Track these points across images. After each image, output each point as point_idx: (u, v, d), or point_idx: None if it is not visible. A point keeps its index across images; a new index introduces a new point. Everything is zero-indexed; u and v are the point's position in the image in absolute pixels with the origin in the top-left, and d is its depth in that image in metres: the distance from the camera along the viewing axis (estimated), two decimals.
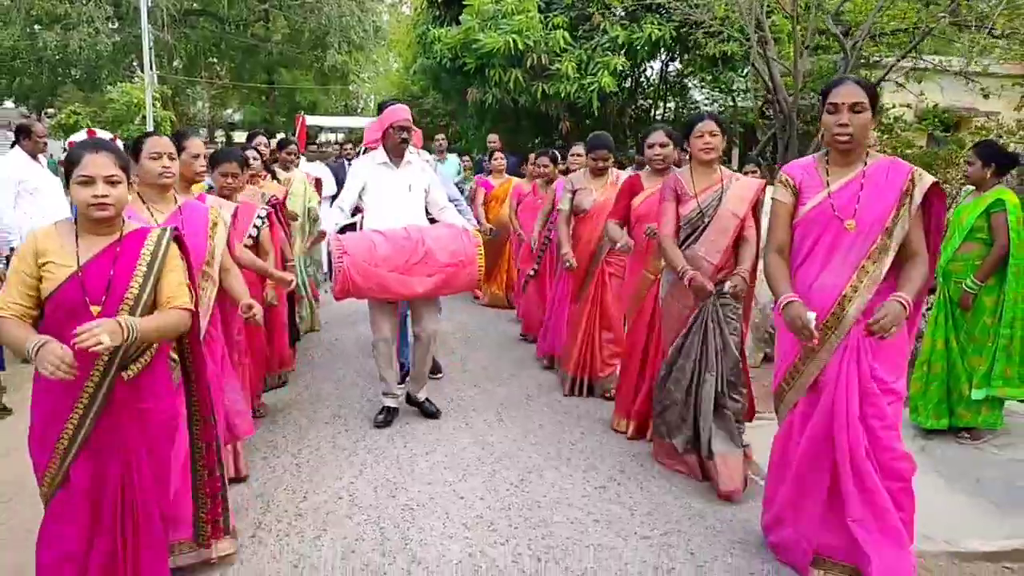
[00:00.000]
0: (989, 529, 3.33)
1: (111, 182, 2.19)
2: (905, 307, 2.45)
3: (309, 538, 3.07)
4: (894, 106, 9.00)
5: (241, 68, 30.12)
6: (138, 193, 2.93)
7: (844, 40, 7.44)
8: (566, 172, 6.20)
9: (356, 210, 4.55)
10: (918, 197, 2.57)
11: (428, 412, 4.50)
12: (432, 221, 4.42)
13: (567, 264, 4.76)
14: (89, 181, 2.17)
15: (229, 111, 34.74)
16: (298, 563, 2.89)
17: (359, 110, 33.59)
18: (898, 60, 7.29)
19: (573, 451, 4.06)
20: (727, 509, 3.39)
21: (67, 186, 2.23)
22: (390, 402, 4.44)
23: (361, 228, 4.40)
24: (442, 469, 3.78)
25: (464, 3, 11.02)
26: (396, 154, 4.30)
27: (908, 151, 8.69)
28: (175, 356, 2.52)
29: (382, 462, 3.86)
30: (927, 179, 2.58)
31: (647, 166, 4.31)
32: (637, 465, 3.87)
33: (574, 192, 4.92)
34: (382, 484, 3.60)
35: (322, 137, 30.51)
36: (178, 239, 2.40)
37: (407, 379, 4.67)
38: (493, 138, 8.62)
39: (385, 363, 4.35)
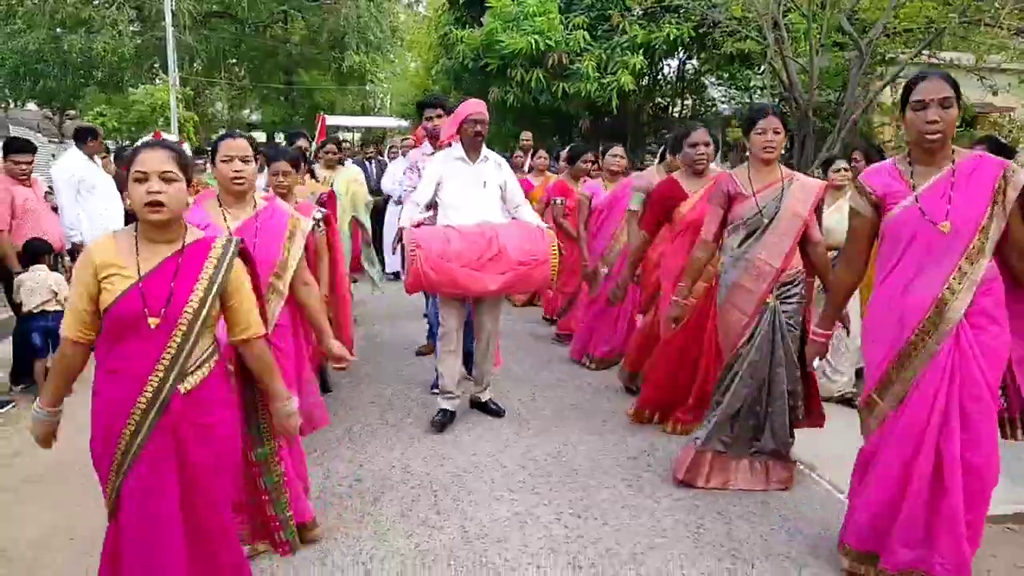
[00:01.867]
0: (996, 495, 3.57)
1: (166, 179, 2.09)
2: None
3: (369, 499, 3.39)
4: None
5: (260, 69, 30.54)
6: (218, 198, 2.92)
7: (859, 38, 7.66)
8: (577, 176, 6.19)
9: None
10: (1012, 194, 2.48)
11: (492, 412, 4.47)
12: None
13: (613, 299, 4.61)
14: (143, 177, 2.08)
15: (247, 111, 35.18)
16: (361, 519, 3.20)
17: (376, 110, 33.97)
18: (911, 58, 7.52)
19: (605, 427, 4.35)
20: None
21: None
22: (447, 404, 4.35)
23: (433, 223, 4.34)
24: (484, 442, 4.08)
25: (486, 5, 11.32)
26: (472, 148, 4.23)
27: None
28: (231, 366, 2.46)
29: (428, 436, 4.16)
30: (1021, 175, 2.49)
31: (682, 167, 4.21)
32: (666, 439, 4.15)
33: (648, 193, 4.52)
34: (430, 455, 3.90)
35: (340, 136, 30.88)
36: (244, 252, 2.31)
37: (471, 370, 4.65)
38: (527, 135, 8.66)
39: (449, 357, 4.29)
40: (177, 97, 21.56)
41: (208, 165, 3.20)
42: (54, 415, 2.25)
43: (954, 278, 2.49)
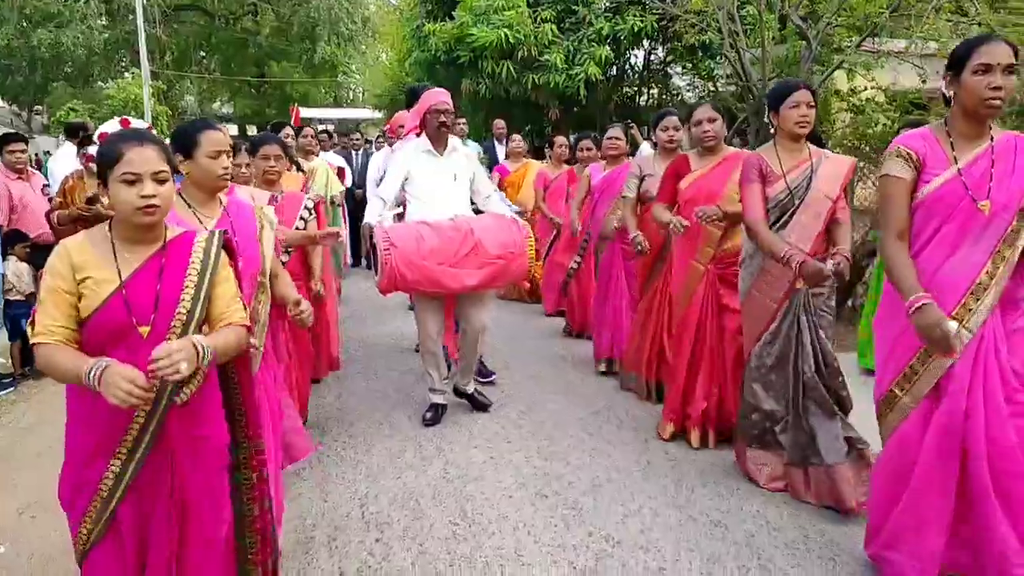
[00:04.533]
0: None
1: (159, 180, 1.93)
2: None
3: (362, 450, 3.85)
4: (865, 88, 9.80)
5: (231, 61, 30.64)
6: (180, 194, 2.57)
7: (807, 30, 8.18)
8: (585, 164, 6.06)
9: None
10: None
11: (478, 404, 4.40)
12: (476, 211, 4.28)
13: (638, 248, 4.28)
14: (135, 179, 1.90)
15: (218, 104, 35.20)
16: (356, 465, 3.66)
17: (350, 101, 34.16)
18: (852, 50, 8.06)
19: (569, 388, 4.84)
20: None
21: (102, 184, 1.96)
22: (437, 399, 4.30)
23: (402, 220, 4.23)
24: (462, 402, 4.50)
25: None
26: (437, 140, 4.12)
27: (869, 130, 9.50)
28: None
29: (411, 401, 4.61)
30: None
31: (694, 147, 3.98)
32: (623, 398, 4.66)
33: (642, 178, 4.51)
34: (414, 414, 4.37)
35: (313, 128, 31.00)
36: (227, 244, 2.15)
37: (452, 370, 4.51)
38: (500, 124, 8.89)
39: (431, 361, 4.21)
40: (150, 91, 21.67)
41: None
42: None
43: (993, 262, 2.32)
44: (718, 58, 12.88)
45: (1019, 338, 2.40)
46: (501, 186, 7.51)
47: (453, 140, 4.22)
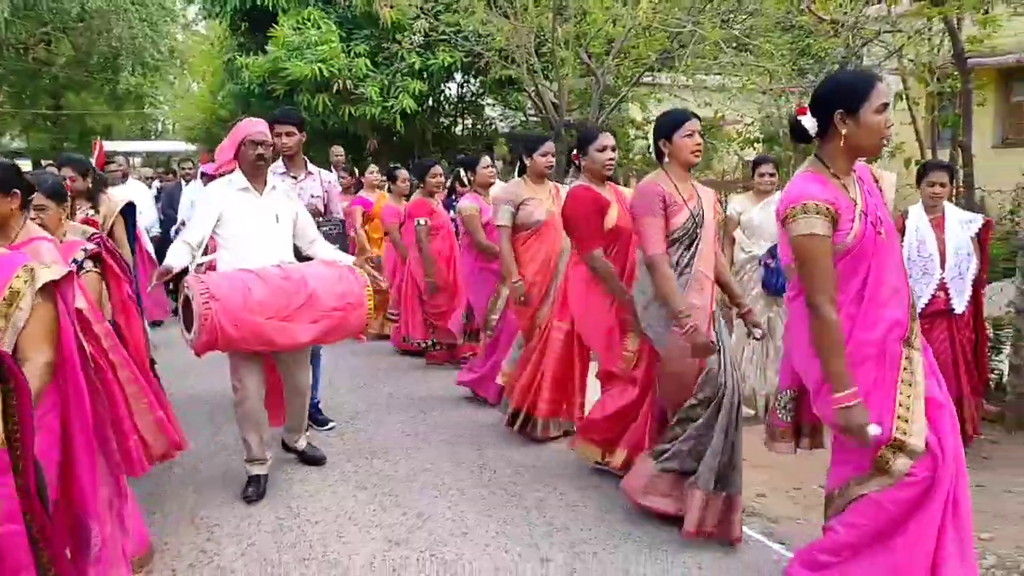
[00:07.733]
0: None
1: None
2: None
3: (190, 467, 4.03)
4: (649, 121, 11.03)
5: (22, 93, 28.51)
6: None
7: (595, 67, 9.17)
8: (432, 193, 5.92)
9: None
10: (890, 193, 2.46)
11: (311, 459, 4.01)
12: (300, 257, 3.81)
13: (519, 299, 4.21)
14: None
15: (8, 138, 32.52)
16: (184, 480, 3.86)
17: (159, 133, 32.73)
18: (630, 87, 9.16)
19: (390, 397, 5.27)
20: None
21: None
22: (258, 470, 3.69)
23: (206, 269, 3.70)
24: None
25: (269, 34, 11.85)
26: (255, 177, 3.65)
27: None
28: None
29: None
30: (888, 175, 2.52)
31: (585, 175, 3.76)
32: (438, 402, 5.15)
33: (518, 205, 4.29)
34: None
35: (120, 161, 29.39)
36: None
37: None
38: (338, 151, 8.58)
39: (250, 426, 3.64)
40: None
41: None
42: None
43: (910, 277, 2.43)
44: (523, 91, 13.87)
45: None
46: (366, 219, 6.96)
47: (272, 176, 3.81)
